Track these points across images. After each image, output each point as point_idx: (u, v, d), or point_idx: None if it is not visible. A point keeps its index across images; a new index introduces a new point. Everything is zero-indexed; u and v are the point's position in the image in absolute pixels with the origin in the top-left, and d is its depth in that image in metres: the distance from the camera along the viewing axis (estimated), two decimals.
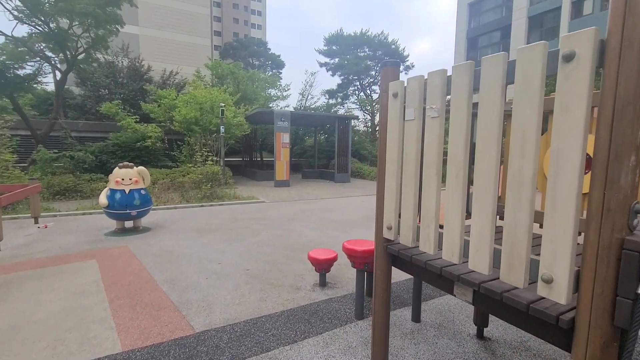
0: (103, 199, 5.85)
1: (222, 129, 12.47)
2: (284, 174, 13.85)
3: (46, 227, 6.60)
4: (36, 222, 6.80)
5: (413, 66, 26.50)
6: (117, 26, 15.50)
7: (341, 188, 13.81)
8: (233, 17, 72.74)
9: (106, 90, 21.17)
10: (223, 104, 12.35)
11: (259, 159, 21.28)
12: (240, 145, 19.57)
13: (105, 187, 6.16)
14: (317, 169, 19.42)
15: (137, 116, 13.47)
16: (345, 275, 4.23)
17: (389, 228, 2.12)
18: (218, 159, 13.07)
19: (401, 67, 27.47)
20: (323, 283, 3.93)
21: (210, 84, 16.99)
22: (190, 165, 10.45)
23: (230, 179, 12.45)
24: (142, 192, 6.15)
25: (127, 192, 5.93)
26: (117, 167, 6.06)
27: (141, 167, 6.24)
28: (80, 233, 6.22)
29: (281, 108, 21.48)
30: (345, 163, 16.05)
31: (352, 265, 3.29)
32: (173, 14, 34.90)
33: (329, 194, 12.10)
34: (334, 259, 3.80)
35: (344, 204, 9.88)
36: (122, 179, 5.94)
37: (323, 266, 3.82)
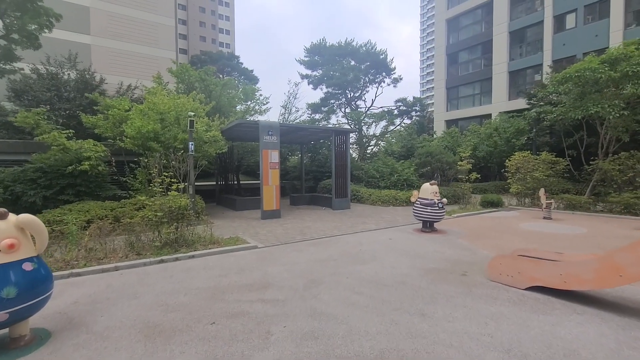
0: None
1: (191, 146, 9.36)
2: (273, 202, 10.83)
3: None
4: None
5: (401, 79, 24.95)
6: (50, 19, 12.17)
7: (346, 218, 11.00)
8: (200, 34, 70.31)
9: (47, 106, 17.75)
10: (192, 113, 9.31)
11: (236, 182, 18.05)
12: (213, 167, 16.30)
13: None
14: (305, 194, 16.54)
15: (70, 130, 9.95)
16: None
17: None
18: (187, 184, 9.86)
19: (389, 80, 25.89)
20: None
21: (175, 92, 13.88)
22: (144, 197, 7.19)
23: (204, 214, 9.26)
24: (28, 266, 2.97)
25: None
26: None
27: (26, 216, 3.06)
28: None
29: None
30: (344, 185, 13.34)
31: None
32: (132, 23, 31.43)
33: (337, 227, 9.24)
34: None
35: (369, 245, 7.06)
36: None
37: None
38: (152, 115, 10.24)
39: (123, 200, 9.59)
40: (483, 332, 3.27)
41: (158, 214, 6.24)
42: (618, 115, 11.41)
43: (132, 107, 11.47)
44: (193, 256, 6.17)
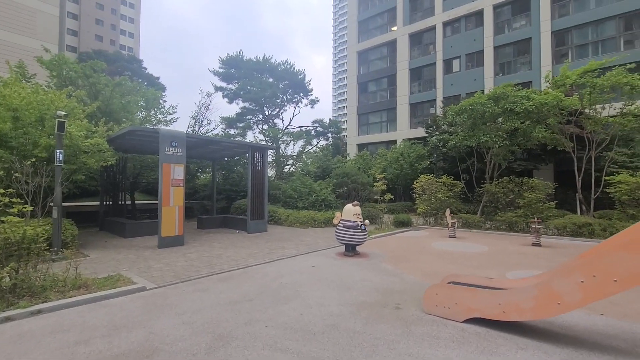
0: None
1: (59, 156, 7.12)
2: (174, 226, 9.01)
3: None
4: None
5: (318, 100, 25.36)
6: None
7: (263, 242, 9.86)
8: (96, 33, 61.34)
9: None
10: (62, 112, 7.13)
11: (129, 202, 15.09)
12: (96, 183, 13.27)
13: None
14: (217, 215, 14.77)
15: None
16: None
17: None
18: (50, 204, 7.40)
19: (306, 101, 26.07)
20: None
21: (47, 89, 10.85)
22: None
23: (75, 243, 6.99)
24: None
25: None
26: None
27: None
28: None
29: None
30: (261, 206, 12.21)
31: None
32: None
33: (253, 255, 8.04)
34: None
35: (291, 276, 6.11)
36: None
37: None
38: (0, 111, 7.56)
39: None
40: None
41: None
42: (500, 144, 13.31)
43: None
44: (39, 311, 4.25)
